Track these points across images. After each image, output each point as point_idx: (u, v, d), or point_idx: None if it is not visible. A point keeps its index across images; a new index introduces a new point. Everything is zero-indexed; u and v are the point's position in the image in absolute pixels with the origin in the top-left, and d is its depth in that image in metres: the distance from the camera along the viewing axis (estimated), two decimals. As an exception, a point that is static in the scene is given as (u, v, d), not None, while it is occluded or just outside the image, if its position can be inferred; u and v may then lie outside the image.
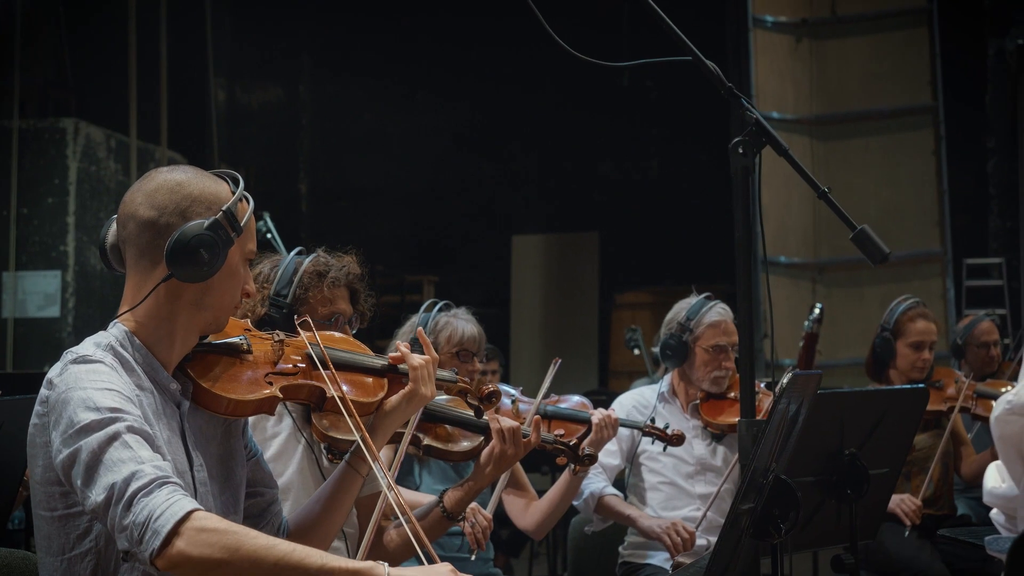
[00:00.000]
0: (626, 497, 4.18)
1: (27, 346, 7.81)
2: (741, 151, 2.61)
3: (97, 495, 1.89)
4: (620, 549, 4.14)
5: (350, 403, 2.23)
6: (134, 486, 1.87)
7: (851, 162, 8.88)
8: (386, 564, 1.93)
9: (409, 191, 11.71)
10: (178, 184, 2.11)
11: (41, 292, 7.87)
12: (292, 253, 2.97)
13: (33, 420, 2.05)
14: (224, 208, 2.09)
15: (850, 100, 9.02)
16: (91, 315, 7.90)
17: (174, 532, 1.82)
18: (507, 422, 2.85)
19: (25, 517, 4.49)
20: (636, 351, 7.55)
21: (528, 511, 3.81)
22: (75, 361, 2.03)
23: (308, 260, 2.92)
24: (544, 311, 11.55)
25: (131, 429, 1.94)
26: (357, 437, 2.22)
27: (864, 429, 2.84)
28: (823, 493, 2.83)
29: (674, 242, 10.96)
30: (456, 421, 2.93)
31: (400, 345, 2.40)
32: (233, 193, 2.13)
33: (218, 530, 1.85)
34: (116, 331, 2.12)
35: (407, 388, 2.32)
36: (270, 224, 6.52)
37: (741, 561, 2.40)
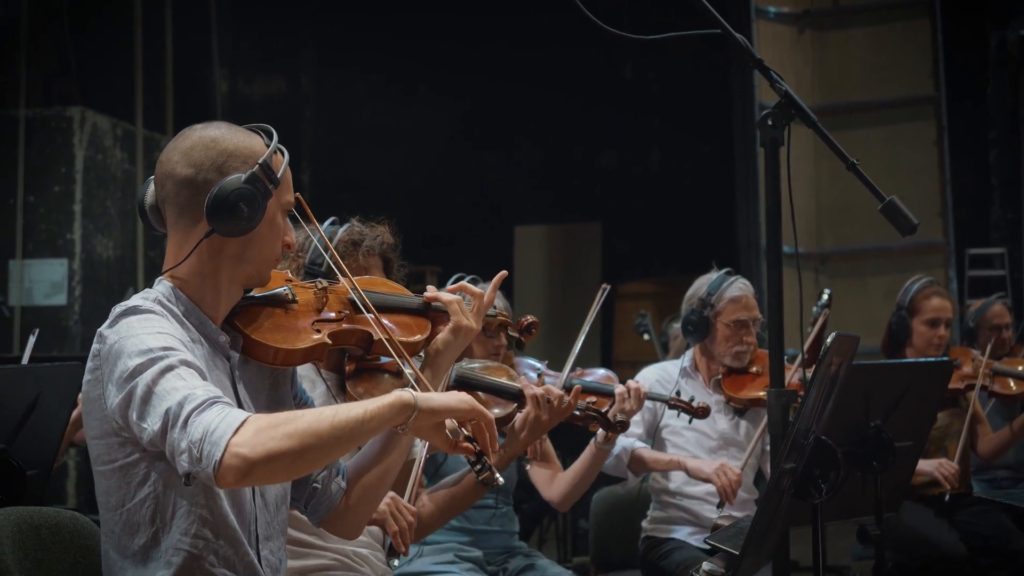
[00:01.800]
0: (647, 477, 4.20)
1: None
2: (771, 123, 2.64)
3: (153, 423, 1.91)
4: (643, 524, 4.15)
5: (398, 344, 2.26)
6: (188, 408, 1.89)
7: (853, 153, 8.69)
8: (412, 390, 1.98)
9: (411, 182, 11.69)
10: (213, 140, 2.13)
11: (47, 280, 7.85)
12: (327, 223, 2.99)
13: (86, 376, 2.06)
14: (260, 161, 2.11)
15: (852, 91, 9.02)
16: (98, 303, 7.88)
17: (232, 442, 1.84)
18: (542, 388, 2.87)
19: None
20: (646, 336, 7.55)
21: (554, 483, 3.81)
22: (124, 313, 2.04)
23: (343, 229, 2.94)
24: (547, 301, 11.54)
25: (183, 362, 1.96)
26: (407, 372, 2.24)
27: (889, 402, 2.85)
28: (849, 464, 2.83)
29: (676, 232, 10.97)
30: (489, 388, 2.96)
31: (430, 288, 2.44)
32: (268, 146, 2.15)
33: (272, 424, 1.88)
34: (162, 287, 2.14)
35: (451, 323, 2.37)
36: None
37: (782, 522, 2.42)
